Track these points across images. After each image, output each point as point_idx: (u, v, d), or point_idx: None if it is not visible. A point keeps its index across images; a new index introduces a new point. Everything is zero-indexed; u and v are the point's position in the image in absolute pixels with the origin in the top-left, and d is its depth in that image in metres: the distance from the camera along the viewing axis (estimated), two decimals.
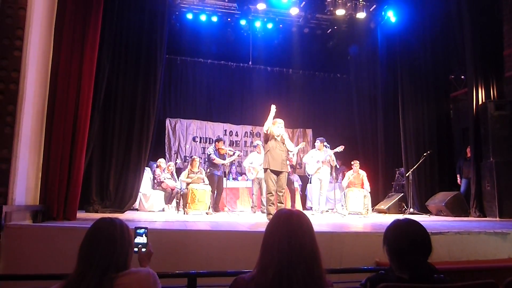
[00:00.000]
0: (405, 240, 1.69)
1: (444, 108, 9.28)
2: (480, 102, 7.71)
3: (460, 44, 8.38)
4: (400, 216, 7.65)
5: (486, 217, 7.28)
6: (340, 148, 8.15)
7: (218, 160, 8.11)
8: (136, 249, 2.14)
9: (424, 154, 8.31)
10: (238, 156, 8.87)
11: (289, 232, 1.63)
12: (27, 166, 4.65)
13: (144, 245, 2.21)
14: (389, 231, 1.79)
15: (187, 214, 7.40)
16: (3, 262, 3.87)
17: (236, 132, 11.80)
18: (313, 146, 8.84)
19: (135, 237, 2.18)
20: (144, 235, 2.23)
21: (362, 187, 8.47)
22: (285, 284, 1.54)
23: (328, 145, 8.19)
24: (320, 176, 8.25)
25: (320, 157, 8.20)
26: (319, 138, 8.57)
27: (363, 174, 8.65)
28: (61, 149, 5.14)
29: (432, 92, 9.09)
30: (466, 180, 8.34)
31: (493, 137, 7.32)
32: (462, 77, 9.75)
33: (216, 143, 8.53)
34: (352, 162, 8.79)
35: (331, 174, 8.40)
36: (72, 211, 5.20)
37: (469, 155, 8.20)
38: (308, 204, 9.76)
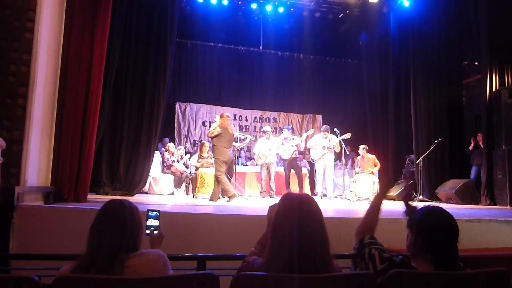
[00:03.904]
0: (436, 220, 1.72)
1: (456, 95, 9.13)
2: (493, 89, 7.59)
3: (474, 30, 8.18)
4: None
5: (496, 205, 7.23)
6: (347, 135, 8.10)
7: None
8: (148, 232, 2.17)
9: (435, 141, 8.22)
10: (249, 141, 8.80)
11: (300, 218, 1.60)
12: (38, 147, 4.70)
13: (156, 227, 2.22)
14: (420, 213, 1.80)
15: (196, 198, 7.45)
16: (16, 242, 3.95)
17: (246, 117, 11.77)
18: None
19: (147, 220, 2.20)
20: (156, 218, 2.25)
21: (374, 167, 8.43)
22: (296, 270, 1.53)
23: (339, 131, 8.13)
24: (325, 162, 8.25)
25: (325, 143, 8.18)
26: (325, 125, 8.56)
27: (372, 157, 8.57)
28: (72, 131, 5.18)
29: (444, 78, 8.93)
30: (477, 167, 8.25)
31: (506, 125, 7.22)
32: (476, 63, 9.56)
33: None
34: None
35: (338, 160, 8.38)
36: (82, 193, 5.27)
37: (480, 142, 8.09)
38: (317, 189, 9.76)
